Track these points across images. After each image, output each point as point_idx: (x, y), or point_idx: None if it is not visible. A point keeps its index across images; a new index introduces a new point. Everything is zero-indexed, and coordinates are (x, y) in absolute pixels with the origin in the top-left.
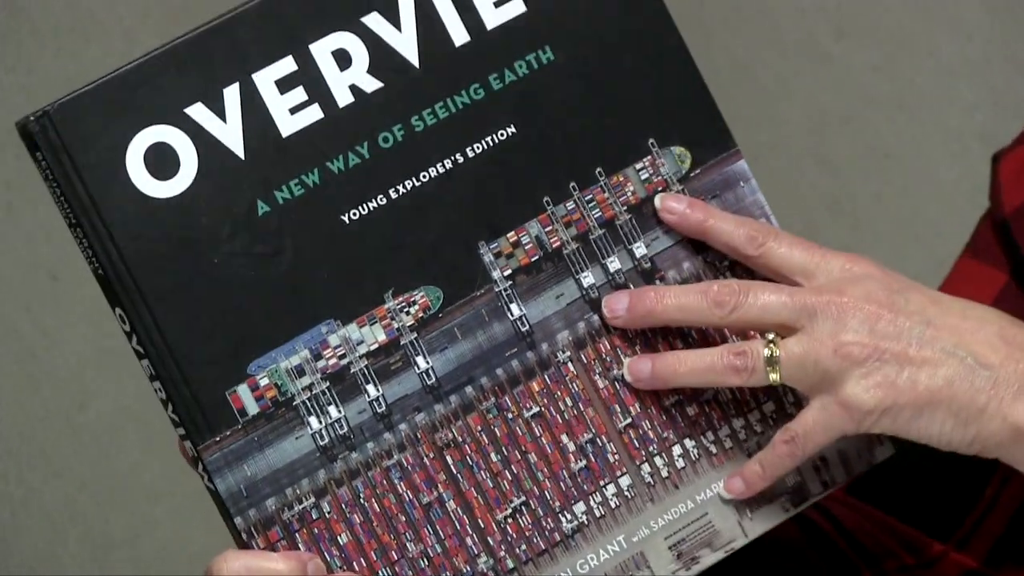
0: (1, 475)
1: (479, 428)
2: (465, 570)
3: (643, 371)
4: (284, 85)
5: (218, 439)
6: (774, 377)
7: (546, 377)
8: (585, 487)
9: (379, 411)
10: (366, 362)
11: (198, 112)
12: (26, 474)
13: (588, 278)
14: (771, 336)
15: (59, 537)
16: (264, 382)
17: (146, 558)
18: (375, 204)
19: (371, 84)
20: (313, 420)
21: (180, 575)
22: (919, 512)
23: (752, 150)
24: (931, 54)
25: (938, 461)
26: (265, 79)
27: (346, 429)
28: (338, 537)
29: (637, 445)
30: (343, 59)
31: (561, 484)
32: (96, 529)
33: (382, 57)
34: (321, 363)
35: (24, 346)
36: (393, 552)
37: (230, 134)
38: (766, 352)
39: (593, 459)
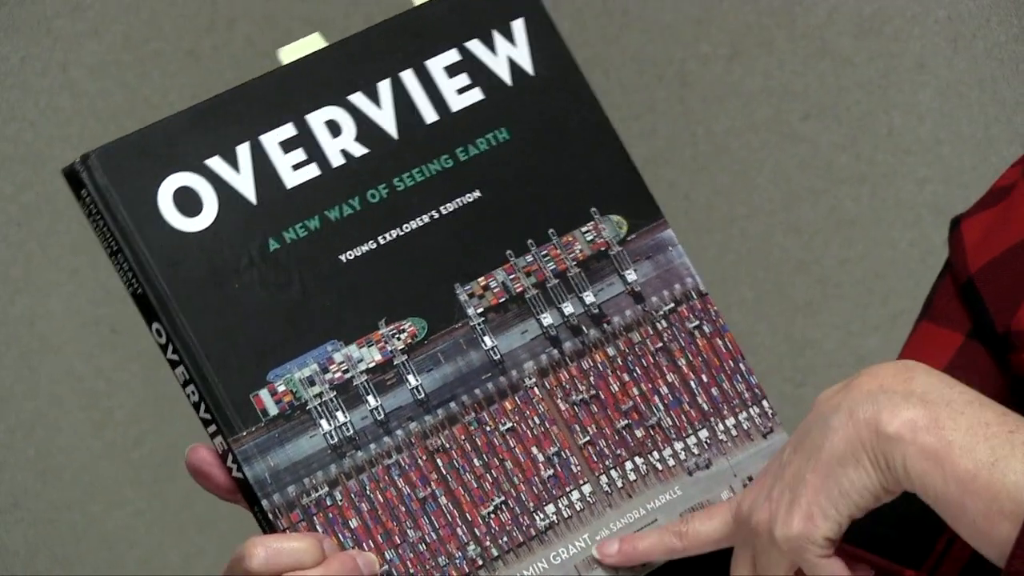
0: (65, 505)
1: (463, 437)
2: (457, 555)
3: (612, 549)
4: (287, 146)
5: (245, 434)
6: None
7: (516, 398)
8: (554, 492)
9: (379, 418)
10: (366, 377)
11: (216, 163)
12: (88, 505)
13: (547, 318)
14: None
15: (118, 560)
16: (281, 388)
17: None
18: (367, 248)
19: (359, 150)
20: (324, 423)
21: None
22: (888, 543)
23: (729, 218)
24: (888, 134)
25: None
26: (271, 140)
27: (352, 432)
28: (349, 521)
29: (596, 459)
30: (334, 128)
31: (533, 488)
32: (152, 554)
33: (366, 128)
34: (328, 375)
35: (86, 391)
36: (396, 537)
37: (243, 183)
38: None
39: (559, 468)
